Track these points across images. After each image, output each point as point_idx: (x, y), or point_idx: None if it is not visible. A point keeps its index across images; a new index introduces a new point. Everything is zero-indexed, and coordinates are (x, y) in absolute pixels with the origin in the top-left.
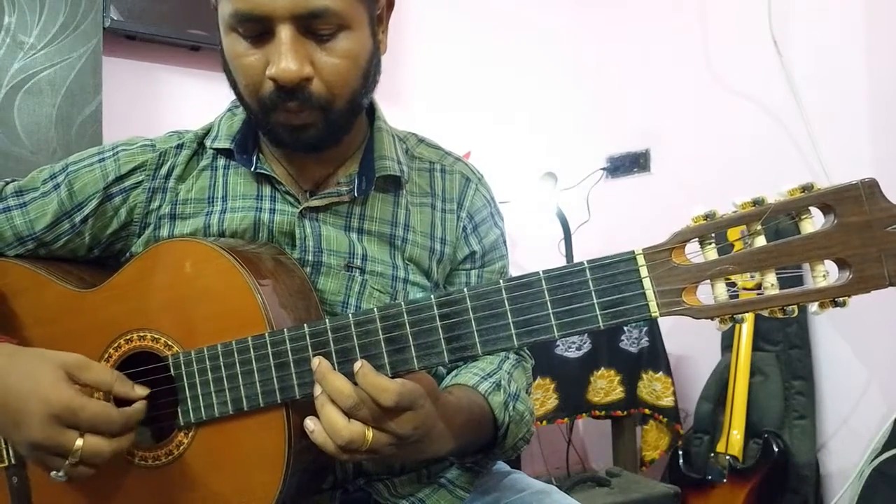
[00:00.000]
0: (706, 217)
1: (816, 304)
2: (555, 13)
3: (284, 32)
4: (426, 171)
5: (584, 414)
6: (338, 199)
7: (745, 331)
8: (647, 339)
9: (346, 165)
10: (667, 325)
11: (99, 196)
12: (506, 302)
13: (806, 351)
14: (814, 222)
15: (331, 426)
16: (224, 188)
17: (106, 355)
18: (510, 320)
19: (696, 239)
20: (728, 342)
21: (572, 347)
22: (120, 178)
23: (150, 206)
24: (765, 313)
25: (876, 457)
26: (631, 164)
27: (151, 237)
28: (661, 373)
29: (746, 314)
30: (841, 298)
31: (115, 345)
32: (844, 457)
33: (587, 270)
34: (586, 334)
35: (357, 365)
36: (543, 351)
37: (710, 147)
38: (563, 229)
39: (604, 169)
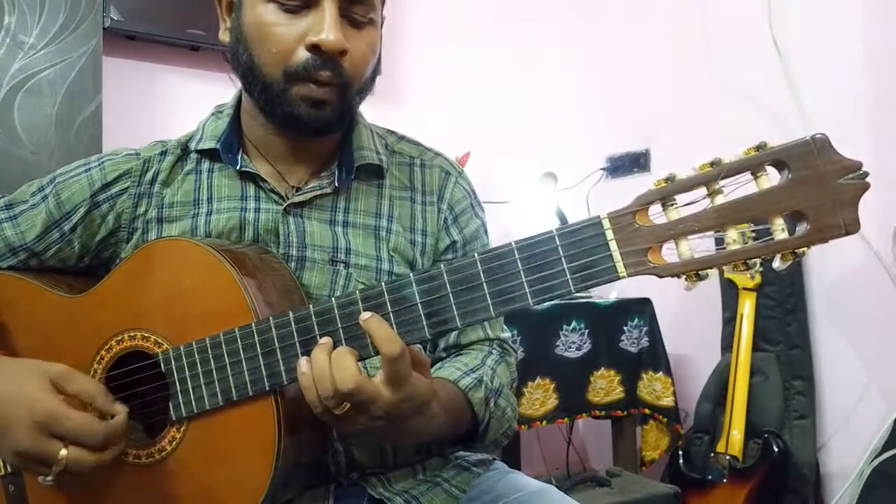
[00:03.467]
0: (667, 180)
1: (779, 257)
2: (555, 13)
3: (330, 6)
4: (406, 166)
5: (584, 414)
6: (320, 192)
7: (745, 331)
8: (647, 339)
9: (329, 162)
10: (666, 325)
11: (86, 204)
12: (481, 274)
13: (806, 351)
14: (770, 179)
15: (339, 365)
16: (209, 190)
17: (98, 358)
18: (486, 291)
19: (659, 201)
20: (728, 342)
21: (572, 347)
22: (106, 186)
23: (136, 211)
24: (728, 268)
25: (876, 457)
26: (631, 164)
27: (140, 242)
28: (661, 373)
29: (711, 270)
30: (800, 249)
31: (107, 346)
32: (844, 457)
33: (556, 237)
34: (586, 334)
35: (364, 315)
36: (543, 351)
37: (710, 147)
38: None
39: (604, 169)
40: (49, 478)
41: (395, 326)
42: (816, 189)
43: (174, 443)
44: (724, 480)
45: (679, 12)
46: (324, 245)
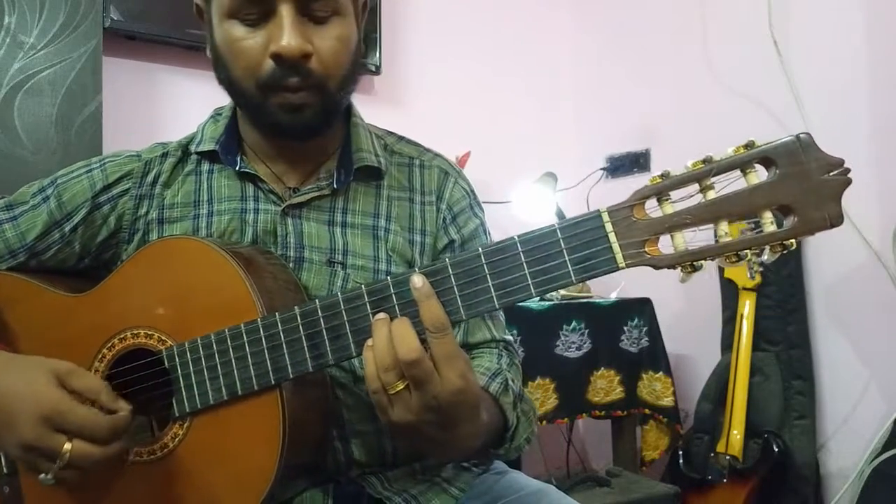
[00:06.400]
0: (662, 176)
1: (768, 249)
2: (555, 12)
3: (286, 11)
4: (405, 167)
5: (584, 414)
6: (318, 193)
7: (745, 331)
8: (647, 339)
9: (326, 163)
10: (666, 325)
11: (88, 205)
12: (485, 267)
13: (806, 351)
14: (758, 176)
15: (401, 336)
16: (209, 191)
17: (100, 355)
18: (490, 284)
19: (655, 196)
20: (728, 342)
21: (572, 347)
22: (107, 187)
23: (137, 212)
24: (721, 260)
25: (876, 457)
26: (631, 164)
27: (141, 243)
28: (661, 373)
29: (705, 261)
30: (788, 241)
31: (109, 344)
32: (844, 457)
33: (558, 231)
34: (586, 334)
35: (417, 282)
36: (543, 351)
37: (710, 147)
38: None
39: (604, 169)
40: (50, 475)
41: None
42: (802, 185)
43: (177, 439)
44: (724, 480)
45: (679, 12)
46: (321, 246)
